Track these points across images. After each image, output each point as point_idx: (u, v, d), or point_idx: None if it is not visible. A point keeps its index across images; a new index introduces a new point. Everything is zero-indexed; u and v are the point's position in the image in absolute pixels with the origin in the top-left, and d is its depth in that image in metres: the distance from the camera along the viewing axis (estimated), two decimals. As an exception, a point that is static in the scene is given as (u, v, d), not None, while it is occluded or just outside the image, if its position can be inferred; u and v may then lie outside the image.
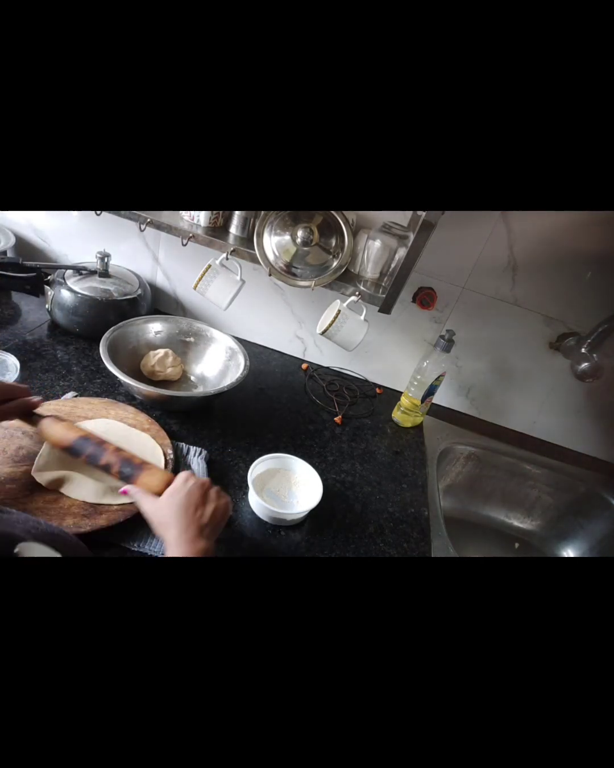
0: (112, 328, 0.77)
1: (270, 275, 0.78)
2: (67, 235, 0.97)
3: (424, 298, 0.87)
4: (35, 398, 0.58)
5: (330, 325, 0.76)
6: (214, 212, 0.81)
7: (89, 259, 0.88)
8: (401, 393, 0.94)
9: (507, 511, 1.03)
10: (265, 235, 0.77)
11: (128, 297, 0.86)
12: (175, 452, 0.66)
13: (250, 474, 0.64)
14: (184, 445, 0.69)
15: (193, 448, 0.68)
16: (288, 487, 0.68)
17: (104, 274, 0.86)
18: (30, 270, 0.84)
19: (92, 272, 0.86)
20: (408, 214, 0.82)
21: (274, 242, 0.78)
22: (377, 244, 0.78)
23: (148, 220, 0.77)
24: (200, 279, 0.79)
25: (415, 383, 0.89)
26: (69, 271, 0.86)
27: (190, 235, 0.78)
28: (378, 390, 1.01)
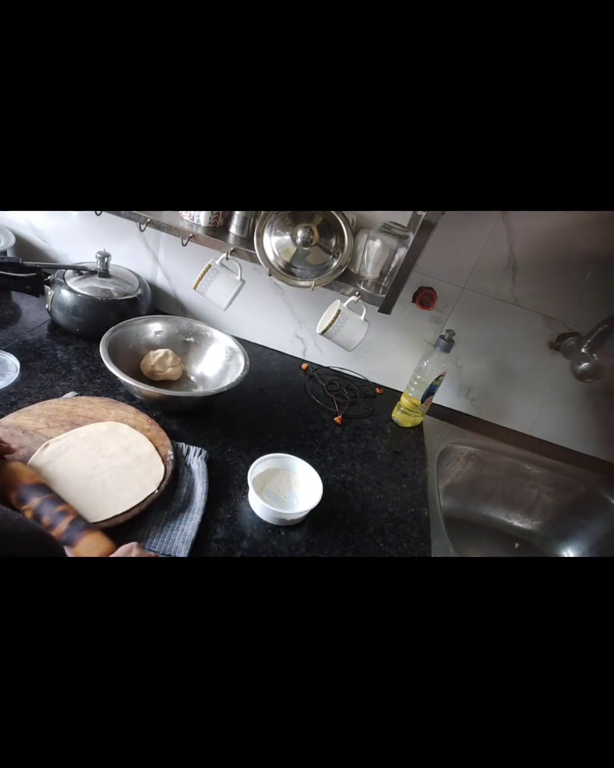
0: (112, 328, 0.77)
1: (270, 275, 0.78)
2: (67, 235, 0.97)
3: (424, 298, 0.87)
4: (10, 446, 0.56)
5: (330, 325, 0.76)
6: (214, 212, 0.81)
7: (89, 259, 0.88)
8: (401, 393, 0.94)
9: (507, 511, 1.03)
10: (265, 235, 0.77)
11: (128, 297, 0.86)
12: (175, 452, 0.66)
13: (250, 474, 0.64)
14: (183, 445, 0.69)
15: (193, 448, 0.68)
16: (288, 487, 0.68)
17: (104, 274, 0.86)
18: (30, 270, 0.84)
19: (92, 272, 0.86)
20: (408, 214, 0.82)
21: (274, 242, 0.78)
22: (377, 244, 0.78)
23: (148, 220, 0.77)
24: (200, 279, 0.79)
25: (415, 383, 0.89)
26: (69, 271, 0.86)
27: (190, 235, 0.78)
28: (378, 390, 1.01)
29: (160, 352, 0.80)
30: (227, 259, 0.79)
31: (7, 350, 0.76)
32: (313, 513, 0.65)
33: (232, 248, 0.78)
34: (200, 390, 0.82)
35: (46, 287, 0.84)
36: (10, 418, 0.64)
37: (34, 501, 0.51)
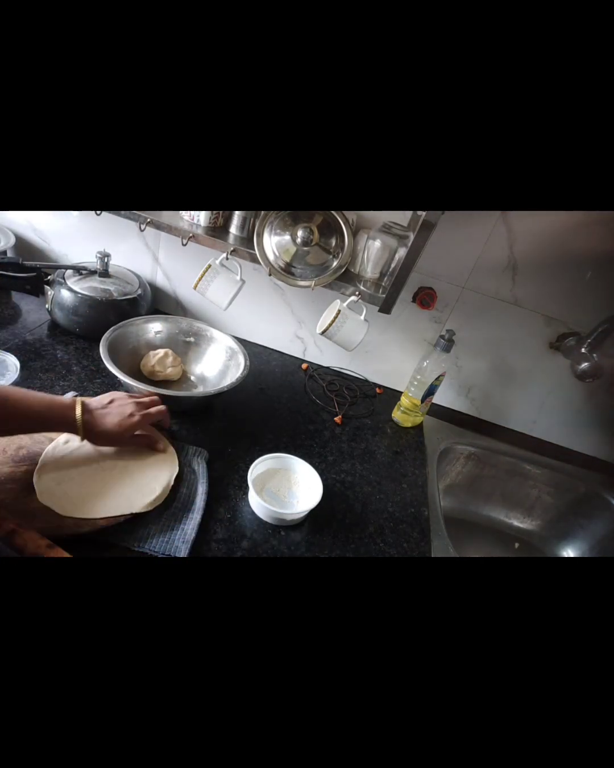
0: (112, 328, 0.77)
1: (270, 275, 0.78)
2: (67, 235, 0.97)
3: (424, 298, 0.87)
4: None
5: (330, 325, 0.76)
6: (214, 212, 0.81)
7: (89, 259, 0.88)
8: (401, 393, 0.94)
9: (507, 511, 1.03)
10: (265, 235, 0.77)
11: (128, 297, 0.86)
12: (175, 452, 0.66)
13: (250, 474, 0.64)
14: (184, 445, 0.69)
15: (192, 448, 0.68)
16: (288, 487, 0.68)
17: (104, 274, 0.86)
18: (30, 270, 0.84)
19: (92, 272, 0.86)
20: (408, 214, 0.82)
21: (274, 242, 0.78)
22: (377, 244, 0.78)
23: (148, 220, 0.77)
24: (200, 279, 0.79)
25: (415, 383, 0.89)
26: (69, 271, 0.86)
27: (190, 235, 0.78)
28: (378, 390, 1.01)
29: (160, 352, 0.80)
30: (227, 259, 0.79)
31: (7, 350, 0.76)
32: (313, 513, 0.65)
33: (232, 248, 0.78)
34: (200, 390, 0.82)
35: (46, 287, 0.84)
36: (10, 418, 0.63)
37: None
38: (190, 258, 0.92)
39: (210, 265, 0.78)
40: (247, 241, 0.81)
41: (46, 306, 0.85)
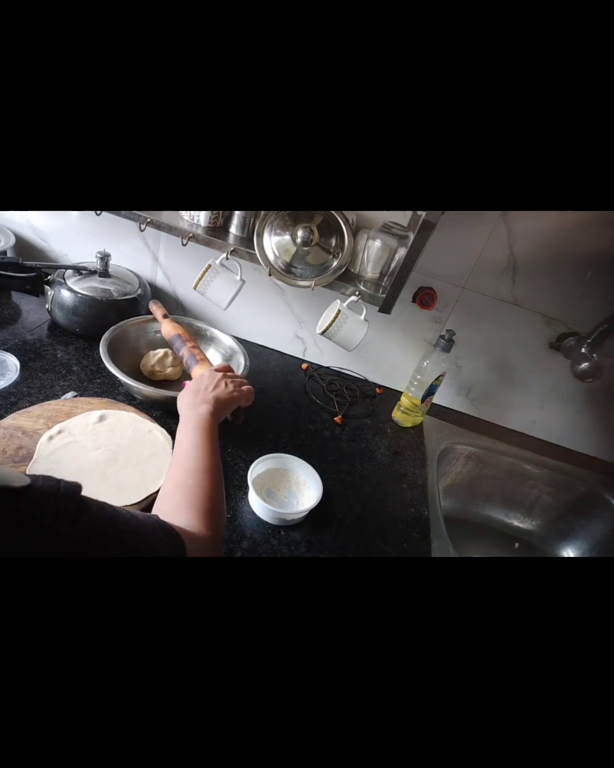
0: (112, 328, 0.77)
1: (270, 275, 0.78)
2: (67, 235, 0.97)
3: (424, 298, 0.87)
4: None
5: (330, 324, 0.76)
6: (214, 212, 0.81)
7: (89, 259, 0.88)
8: (401, 393, 0.94)
9: (507, 511, 1.03)
10: (265, 235, 0.77)
11: (128, 297, 0.86)
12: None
13: (249, 474, 0.64)
14: (184, 445, 0.69)
15: (193, 448, 0.68)
16: (288, 487, 0.68)
17: (104, 274, 0.86)
18: (30, 270, 0.84)
19: (92, 272, 0.86)
20: (408, 214, 0.82)
21: (274, 242, 0.78)
22: (377, 244, 0.78)
23: (148, 220, 0.77)
24: (200, 279, 0.79)
25: (415, 383, 0.89)
26: (69, 271, 0.86)
27: (190, 235, 0.78)
28: (378, 390, 1.01)
29: (160, 351, 0.80)
30: (227, 259, 0.79)
31: (7, 350, 0.76)
32: (313, 513, 0.65)
33: (232, 248, 0.78)
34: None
35: (46, 287, 0.84)
36: (9, 420, 0.64)
37: (177, 343, 0.74)
38: (190, 258, 0.92)
39: (210, 265, 0.78)
40: (247, 241, 0.81)
41: (46, 306, 0.85)
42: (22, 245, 0.98)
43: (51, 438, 0.62)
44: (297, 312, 0.97)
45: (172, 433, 0.70)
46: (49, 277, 0.85)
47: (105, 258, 0.85)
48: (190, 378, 0.67)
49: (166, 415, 0.74)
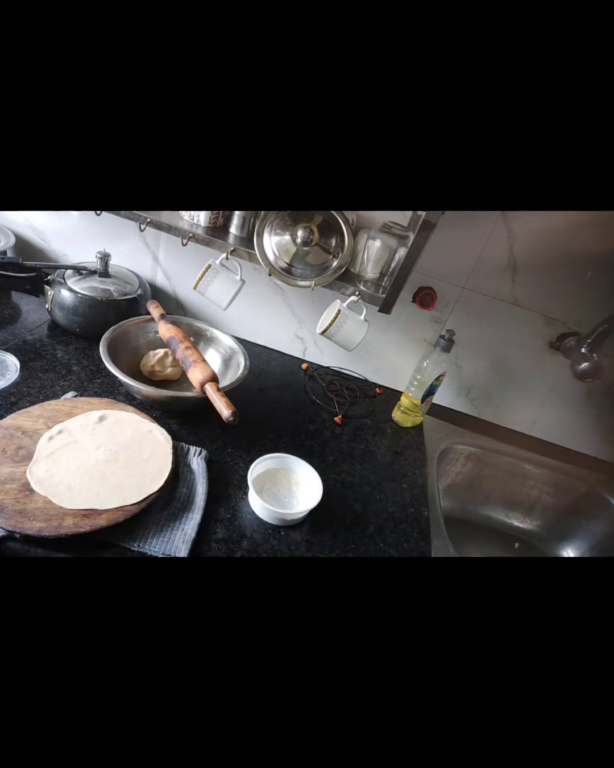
0: (112, 328, 0.77)
1: (270, 275, 0.78)
2: (67, 235, 0.97)
3: (424, 298, 0.87)
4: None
5: (330, 324, 0.76)
6: (214, 212, 0.81)
7: (89, 259, 0.88)
8: (401, 393, 0.94)
9: (507, 511, 1.03)
10: (265, 235, 0.77)
11: (128, 297, 0.85)
12: (174, 452, 0.66)
13: (250, 474, 0.64)
14: (184, 444, 0.69)
15: (193, 448, 0.68)
16: (288, 487, 0.68)
17: (104, 274, 0.86)
18: (30, 270, 0.84)
19: (92, 272, 0.86)
20: (408, 214, 0.82)
21: (274, 242, 0.78)
22: (377, 244, 0.78)
23: (148, 220, 0.77)
24: (200, 279, 0.79)
25: (415, 383, 0.89)
26: (69, 271, 0.86)
27: (190, 235, 0.78)
28: (378, 390, 1.01)
29: (160, 351, 0.80)
30: (227, 259, 0.79)
31: (7, 350, 0.76)
32: (313, 513, 0.65)
33: (232, 248, 0.78)
34: (200, 390, 0.82)
35: (46, 287, 0.84)
36: (9, 419, 0.64)
37: (174, 344, 0.75)
38: (190, 258, 0.92)
39: (210, 265, 0.78)
40: (247, 241, 0.81)
41: (46, 306, 0.85)
42: (22, 245, 0.98)
43: (51, 438, 0.62)
44: (297, 312, 0.97)
45: (172, 433, 0.70)
46: (49, 277, 0.85)
47: (105, 258, 0.85)
48: (187, 380, 0.67)
49: (165, 415, 0.74)
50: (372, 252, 0.79)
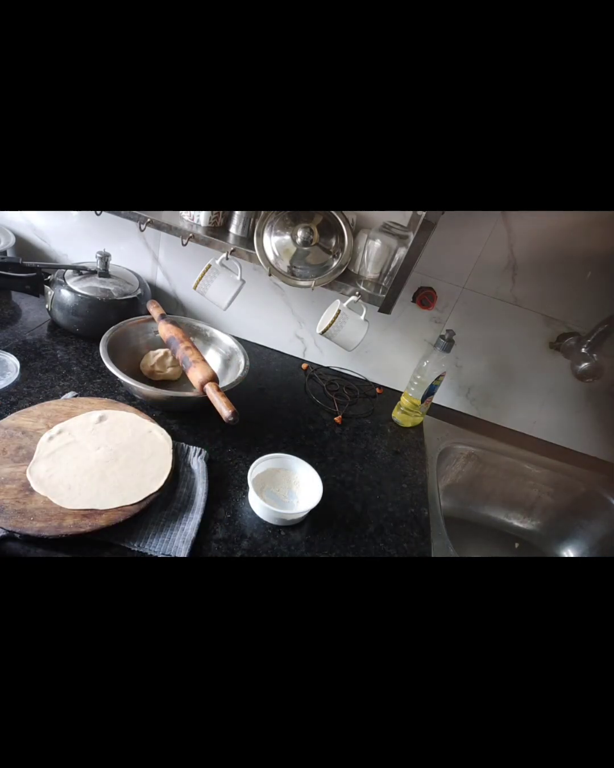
0: (112, 328, 0.77)
1: (270, 275, 0.78)
2: (67, 235, 0.97)
3: (424, 298, 0.87)
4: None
5: (330, 324, 0.76)
6: (214, 212, 0.81)
7: (89, 259, 0.88)
8: (401, 393, 0.94)
9: (507, 511, 1.03)
10: (265, 235, 0.77)
11: (128, 297, 0.85)
12: (174, 452, 0.66)
13: (250, 474, 0.64)
14: (184, 444, 0.69)
15: (193, 448, 0.68)
16: (288, 487, 0.68)
17: (104, 274, 0.86)
18: (30, 270, 0.84)
19: (92, 272, 0.86)
20: (408, 214, 0.82)
21: (274, 242, 0.78)
22: (377, 244, 0.78)
23: (148, 220, 0.77)
24: (200, 279, 0.79)
25: (415, 383, 0.89)
26: (69, 271, 0.85)
27: (190, 235, 0.78)
28: (378, 390, 1.01)
29: (160, 351, 0.80)
30: (227, 259, 0.79)
31: (7, 350, 0.76)
32: (313, 513, 0.65)
33: (231, 248, 0.78)
34: (200, 390, 0.82)
35: (46, 287, 0.84)
36: (9, 419, 0.64)
37: (174, 344, 0.75)
38: (190, 258, 0.92)
39: (210, 265, 0.78)
40: (247, 241, 0.81)
41: (46, 306, 0.85)
42: (22, 245, 0.98)
43: (51, 438, 0.62)
44: (297, 312, 0.97)
45: (172, 433, 0.70)
46: (49, 277, 0.85)
47: (105, 258, 0.85)
48: (187, 380, 0.67)
49: (166, 415, 0.74)
50: (372, 252, 0.79)
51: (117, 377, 0.69)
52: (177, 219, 0.81)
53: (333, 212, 0.74)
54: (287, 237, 0.77)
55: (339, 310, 0.76)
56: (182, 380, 0.83)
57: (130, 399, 0.75)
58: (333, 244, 0.77)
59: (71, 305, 0.82)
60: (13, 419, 0.64)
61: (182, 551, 0.55)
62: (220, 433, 0.75)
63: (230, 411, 0.64)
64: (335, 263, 0.78)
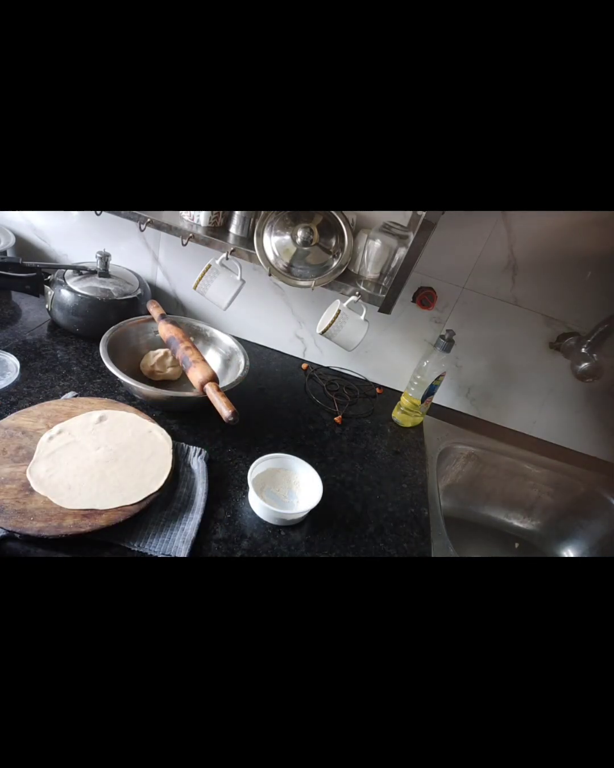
0: (112, 328, 0.77)
1: (270, 275, 0.78)
2: (67, 235, 0.97)
3: (424, 298, 0.87)
4: None
5: (330, 325, 0.76)
6: (214, 212, 0.81)
7: (89, 258, 0.88)
8: (401, 393, 0.94)
9: (507, 511, 1.03)
10: (265, 235, 0.77)
11: (128, 297, 0.85)
12: (174, 452, 0.66)
13: (250, 474, 0.64)
14: (184, 444, 0.69)
15: (193, 448, 0.68)
16: (288, 487, 0.68)
17: (104, 274, 0.86)
18: (30, 270, 0.84)
19: (92, 272, 0.86)
20: (408, 214, 0.82)
21: (274, 242, 0.78)
22: (377, 244, 0.78)
23: (148, 220, 0.77)
24: (200, 279, 0.79)
25: (415, 383, 0.89)
26: (69, 271, 0.85)
27: (190, 235, 0.78)
28: (378, 390, 1.01)
29: (160, 351, 0.80)
30: (227, 259, 0.79)
31: (7, 350, 0.76)
32: (313, 513, 0.65)
33: (231, 248, 0.78)
34: (200, 390, 0.82)
35: (46, 287, 0.84)
36: (9, 419, 0.64)
37: (174, 344, 0.75)
38: (190, 258, 0.92)
39: (210, 265, 0.78)
40: (247, 241, 0.81)
41: (46, 306, 0.85)
42: (22, 245, 0.98)
43: (51, 438, 0.62)
44: (297, 312, 0.97)
45: (172, 433, 0.70)
46: (49, 277, 0.85)
47: (105, 258, 0.85)
48: (188, 380, 0.67)
49: (166, 415, 0.74)
50: (372, 252, 0.79)
51: (117, 377, 0.69)
52: (177, 219, 0.81)
53: (333, 212, 0.74)
54: (287, 237, 0.77)
55: (339, 310, 0.76)
56: (182, 380, 0.83)
57: (130, 399, 0.75)
58: (333, 244, 0.77)
59: (71, 305, 0.82)
60: (13, 419, 0.64)
61: (182, 551, 0.55)
62: (220, 433, 0.75)
63: (230, 411, 0.64)
64: (335, 263, 0.78)
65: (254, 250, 0.77)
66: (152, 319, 0.83)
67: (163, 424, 0.70)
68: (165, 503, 0.60)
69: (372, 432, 0.88)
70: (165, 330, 0.77)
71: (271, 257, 0.78)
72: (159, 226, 0.78)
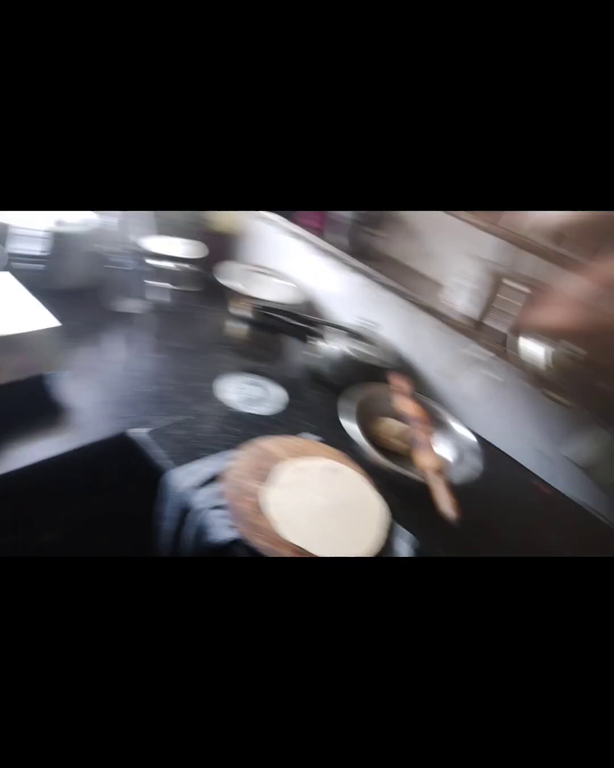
0: (363, 391, 0.84)
1: (535, 387, 0.74)
2: (338, 297, 1.11)
3: None
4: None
5: (592, 458, 0.67)
6: (478, 303, 0.81)
7: (352, 321, 0.98)
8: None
9: None
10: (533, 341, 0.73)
11: (385, 364, 0.93)
12: (389, 530, 0.66)
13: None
14: (396, 524, 0.68)
15: (405, 531, 0.67)
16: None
17: (366, 338, 0.96)
18: (308, 322, 0.99)
19: (355, 333, 0.97)
20: None
21: (544, 350, 0.74)
22: None
23: (413, 301, 0.83)
24: (454, 367, 0.80)
25: None
26: (336, 328, 0.98)
27: (450, 321, 0.80)
28: None
29: (402, 425, 0.82)
30: (487, 355, 0.78)
31: (276, 382, 0.89)
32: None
33: (494, 346, 0.77)
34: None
35: (314, 338, 0.97)
36: (263, 441, 0.73)
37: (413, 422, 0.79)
38: (446, 342, 0.93)
39: (469, 357, 0.79)
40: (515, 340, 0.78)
41: (313, 354, 0.97)
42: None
43: (290, 471, 0.69)
44: (544, 424, 0.87)
45: (389, 507, 0.69)
46: (317, 330, 0.98)
47: (369, 324, 0.95)
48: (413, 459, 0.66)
49: (384, 486, 0.74)
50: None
51: (347, 432, 0.73)
52: (434, 300, 0.84)
53: None
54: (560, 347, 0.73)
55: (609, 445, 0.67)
56: (408, 459, 0.82)
57: (357, 455, 0.78)
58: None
59: (333, 359, 0.93)
60: (266, 442, 0.73)
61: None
62: (434, 531, 0.68)
63: (453, 510, 0.60)
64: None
65: (518, 351, 0.74)
66: (397, 390, 0.87)
67: (381, 492, 0.71)
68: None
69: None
70: (408, 407, 0.80)
71: (537, 366, 0.74)
72: (419, 307, 0.82)
